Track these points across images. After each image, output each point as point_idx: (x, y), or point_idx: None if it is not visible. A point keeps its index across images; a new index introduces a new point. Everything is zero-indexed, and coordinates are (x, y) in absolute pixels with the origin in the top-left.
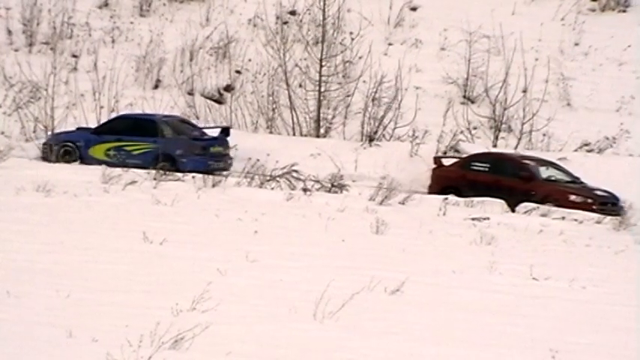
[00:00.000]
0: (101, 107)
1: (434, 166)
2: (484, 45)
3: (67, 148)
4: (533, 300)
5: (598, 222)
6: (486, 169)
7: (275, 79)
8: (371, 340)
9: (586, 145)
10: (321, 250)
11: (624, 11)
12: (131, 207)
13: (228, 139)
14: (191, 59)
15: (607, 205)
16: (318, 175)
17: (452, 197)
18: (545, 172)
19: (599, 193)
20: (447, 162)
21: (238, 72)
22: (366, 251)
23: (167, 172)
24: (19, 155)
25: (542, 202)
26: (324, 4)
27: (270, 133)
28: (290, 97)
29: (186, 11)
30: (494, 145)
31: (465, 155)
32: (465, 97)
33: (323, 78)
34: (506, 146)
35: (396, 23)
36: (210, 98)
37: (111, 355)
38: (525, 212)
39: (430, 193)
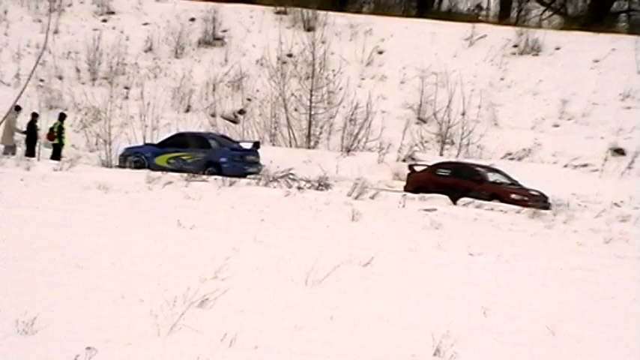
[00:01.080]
0: (146, 126)
1: (409, 171)
2: (433, 79)
3: (138, 158)
4: (470, 271)
5: (518, 212)
6: (448, 174)
7: (276, 105)
8: (349, 301)
9: (509, 154)
10: (311, 234)
11: (537, 55)
12: (168, 201)
13: (259, 150)
14: (213, 90)
15: (538, 202)
16: (309, 177)
17: (410, 195)
18: (492, 177)
19: (532, 192)
20: (418, 168)
21: (249, 99)
22: (345, 234)
23: (194, 175)
24: (84, 162)
25: (490, 199)
26: (314, 49)
27: (273, 145)
28: (287, 118)
29: (209, 54)
30: (441, 155)
31: (431, 164)
32: (418, 118)
33: (312, 104)
34: (449, 156)
35: (367, 63)
36: (228, 119)
37: (153, 311)
38: (464, 205)
39: (405, 191)
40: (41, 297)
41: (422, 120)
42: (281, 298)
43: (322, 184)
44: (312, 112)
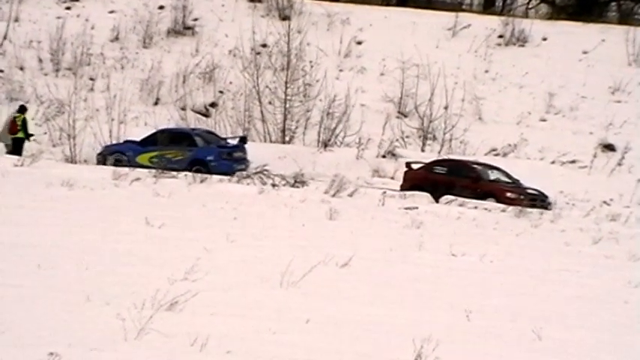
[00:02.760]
0: (112, 120)
1: (405, 169)
2: (414, 71)
3: (118, 157)
4: (452, 271)
5: (503, 210)
6: (444, 172)
7: (250, 97)
8: (325, 303)
9: (494, 150)
10: (286, 233)
11: (523, 46)
12: (136, 198)
13: (245, 146)
14: (184, 82)
15: (536, 200)
16: (284, 173)
17: (390, 192)
18: (491, 175)
19: (530, 191)
20: (415, 166)
21: (221, 92)
22: (322, 233)
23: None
24: (47, 158)
25: (484, 197)
26: (289, 39)
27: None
28: (262, 112)
29: (180, 44)
30: (422, 150)
31: (429, 161)
32: (399, 112)
33: (288, 97)
34: (431, 152)
35: (345, 54)
36: (199, 112)
37: (120, 314)
38: (446, 203)
39: (402, 189)
40: (1, 299)
41: (402, 114)
42: (255, 300)
43: (298, 181)
44: (288, 106)
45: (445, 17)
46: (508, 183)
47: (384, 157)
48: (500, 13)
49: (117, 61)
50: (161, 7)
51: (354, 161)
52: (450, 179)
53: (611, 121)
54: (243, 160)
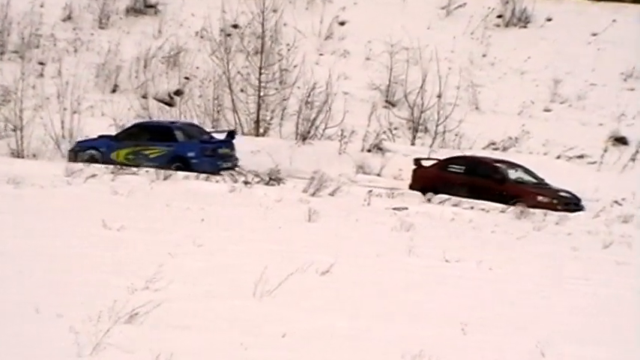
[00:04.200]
0: (64, 109)
1: (414, 166)
2: (404, 56)
3: (92, 154)
4: (446, 280)
5: (502, 211)
6: (462, 171)
7: (219, 84)
8: (303, 315)
9: (492, 144)
10: (260, 236)
11: (525, 27)
12: (91, 197)
13: (234, 141)
14: (145, 67)
15: (570, 205)
16: (258, 170)
17: (377, 191)
18: (514, 174)
19: (562, 194)
20: (425, 163)
21: (187, 78)
22: (300, 237)
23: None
24: None
25: (512, 202)
26: (263, 19)
27: (215, 132)
28: (233, 100)
29: (140, 24)
30: (412, 144)
31: (442, 158)
32: (386, 101)
33: (262, 84)
34: (422, 145)
35: (326, 36)
36: (162, 101)
37: (73, 328)
38: (439, 203)
39: (412, 190)
40: None
41: (390, 103)
42: (225, 311)
43: (273, 178)
44: (262, 94)
45: None
46: (536, 184)
47: (369, 151)
48: None
49: (69, 43)
50: None
51: (336, 156)
52: (469, 179)
53: (623, 111)
54: (230, 158)
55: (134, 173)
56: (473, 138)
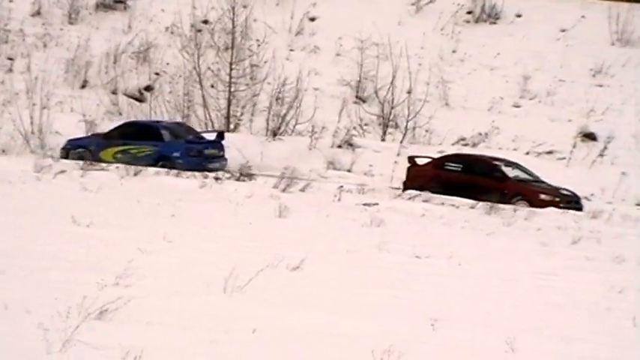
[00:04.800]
0: (34, 105)
1: (409, 164)
2: (374, 52)
3: (82, 152)
4: (417, 275)
5: (472, 207)
6: (459, 169)
7: (190, 80)
8: (274, 311)
9: (462, 139)
10: (231, 232)
11: (495, 23)
12: (61, 193)
13: (223, 142)
14: (115, 62)
15: (571, 202)
16: (228, 165)
17: (347, 187)
18: (511, 172)
19: (564, 192)
20: (419, 161)
21: (157, 74)
22: (271, 233)
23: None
24: None
25: (513, 200)
26: (234, 15)
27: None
28: (203, 96)
29: (110, 20)
30: (383, 140)
31: (437, 156)
32: (357, 97)
33: (232, 80)
34: (392, 141)
35: (297, 32)
36: (132, 97)
37: (42, 324)
38: (409, 199)
39: (406, 189)
40: None
41: (361, 99)
42: (195, 307)
43: (244, 174)
44: (233, 90)
45: None
46: (534, 181)
47: (340, 147)
48: None
49: (39, 38)
50: None
51: (306, 152)
52: (467, 178)
53: (592, 107)
54: (218, 158)
55: (103, 169)
56: (443, 134)
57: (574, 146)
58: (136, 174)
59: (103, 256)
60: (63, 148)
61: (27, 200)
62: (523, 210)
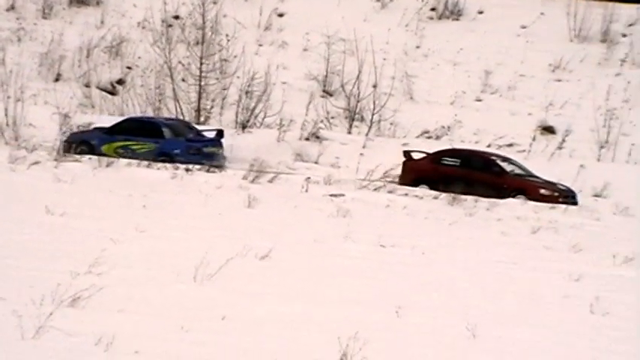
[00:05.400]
0: (8, 97)
1: (404, 159)
2: (340, 47)
3: (84, 146)
4: (381, 264)
5: (435, 197)
6: (457, 164)
7: (161, 74)
8: (243, 299)
9: (426, 132)
10: (201, 222)
11: (457, 19)
12: (35, 184)
13: (222, 140)
14: (88, 56)
15: (568, 197)
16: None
17: (314, 178)
18: (508, 167)
19: (561, 187)
20: (415, 156)
21: (129, 68)
22: (240, 223)
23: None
24: None
25: (512, 194)
26: (204, 10)
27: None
28: (174, 89)
29: (83, 15)
30: (349, 132)
31: (433, 151)
32: (324, 91)
33: (203, 74)
34: (358, 134)
35: (265, 27)
36: (105, 90)
37: (17, 311)
38: (375, 190)
39: (401, 184)
40: None
41: (328, 93)
42: (166, 295)
43: (214, 166)
44: (203, 83)
45: None
46: (531, 176)
47: (307, 139)
48: None
49: (13, 32)
50: None
51: (275, 144)
52: (466, 173)
53: (551, 101)
54: (217, 156)
55: (77, 160)
56: (407, 127)
57: (534, 139)
58: (108, 165)
59: (76, 246)
60: (66, 141)
61: (1, 190)
62: (484, 201)
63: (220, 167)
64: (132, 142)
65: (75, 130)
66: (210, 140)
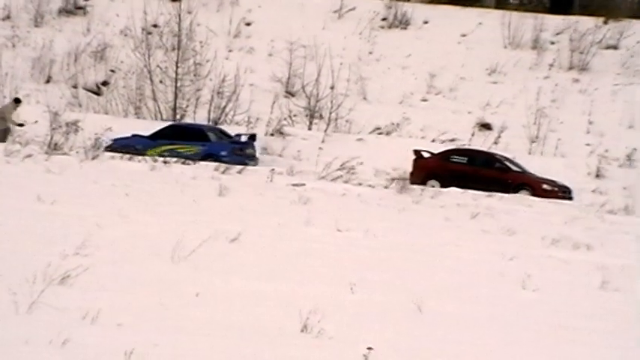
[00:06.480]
0: (4, 97)
1: (414, 157)
2: (301, 52)
3: (129, 151)
4: (339, 246)
5: (386, 187)
6: (465, 162)
7: (141, 76)
8: (215, 277)
9: (378, 129)
10: (177, 208)
11: (405, 28)
12: (28, 175)
13: (255, 143)
14: (75, 60)
15: (566, 193)
16: None
17: (278, 170)
18: (511, 165)
19: (559, 183)
20: (424, 155)
21: (112, 71)
22: (212, 209)
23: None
24: None
25: (516, 190)
26: (180, 19)
27: (138, 118)
28: (153, 90)
29: (71, 23)
30: (309, 129)
31: (441, 150)
32: (287, 92)
33: (178, 76)
34: (318, 130)
35: (234, 35)
36: (90, 91)
37: (11, 289)
38: (332, 180)
39: (412, 182)
40: None
41: (290, 93)
42: (146, 274)
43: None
44: (179, 85)
45: (331, 0)
46: (530, 173)
47: (272, 135)
48: None
49: (8, 39)
50: None
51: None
52: (473, 169)
53: (488, 101)
54: (253, 157)
55: (65, 153)
56: (361, 124)
57: (473, 134)
58: (93, 158)
59: (64, 230)
60: (108, 147)
61: None
62: (429, 190)
63: (255, 165)
64: (177, 145)
65: (115, 137)
66: (246, 143)
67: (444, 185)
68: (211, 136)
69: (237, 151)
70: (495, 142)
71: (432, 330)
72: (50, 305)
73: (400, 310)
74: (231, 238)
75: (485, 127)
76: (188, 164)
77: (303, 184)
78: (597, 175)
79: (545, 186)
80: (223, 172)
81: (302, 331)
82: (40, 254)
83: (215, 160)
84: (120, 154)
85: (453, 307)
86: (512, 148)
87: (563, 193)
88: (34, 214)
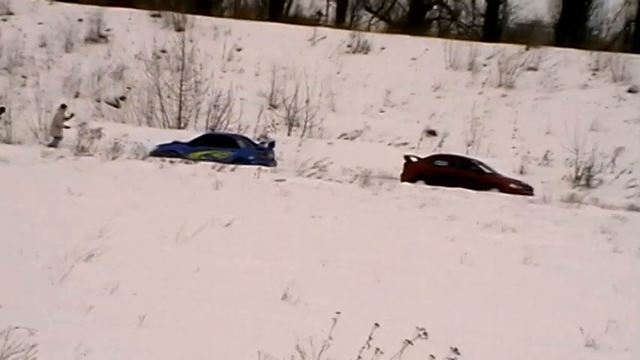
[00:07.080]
0: (40, 109)
1: (405, 161)
2: (282, 73)
3: (171, 155)
4: (312, 230)
5: (351, 182)
6: (447, 165)
7: (152, 92)
8: (212, 256)
9: (344, 134)
10: (181, 199)
11: (366, 53)
12: (60, 172)
13: (274, 149)
14: (98, 79)
15: (529, 190)
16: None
17: (264, 168)
18: (484, 168)
19: (523, 182)
20: (413, 159)
21: (129, 88)
22: (209, 200)
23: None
24: None
25: (488, 188)
26: (183, 46)
27: (149, 126)
28: (161, 104)
29: (95, 49)
30: (289, 134)
31: (426, 156)
32: (270, 104)
33: (182, 92)
34: (295, 136)
35: (228, 58)
36: (111, 104)
37: (47, 264)
38: (308, 176)
39: (403, 180)
40: None
41: (273, 106)
42: (155, 253)
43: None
44: (182, 99)
45: (306, 30)
46: (497, 174)
47: (258, 139)
48: (349, 28)
49: (44, 62)
50: (80, 20)
51: None
52: (454, 171)
53: (433, 112)
54: (272, 160)
55: (90, 155)
56: (331, 130)
57: (421, 139)
58: (113, 159)
59: (89, 217)
60: (153, 152)
61: (36, 177)
62: (386, 184)
63: (274, 166)
64: (212, 150)
65: (160, 143)
66: (267, 149)
67: (429, 184)
68: (240, 143)
69: (263, 156)
70: (439, 146)
71: (388, 297)
72: (78, 278)
73: (363, 282)
74: (226, 224)
75: (431, 133)
76: (190, 164)
77: (284, 180)
78: (521, 172)
79: (512, 185)
80: (219, 170)
81: (283, 299)
82: (69, 237)
83: (244, 163)
84: (159, 158)
85: (405, 279)
86: (453, 150)
87: (526, 190)
88: (65, 204)
